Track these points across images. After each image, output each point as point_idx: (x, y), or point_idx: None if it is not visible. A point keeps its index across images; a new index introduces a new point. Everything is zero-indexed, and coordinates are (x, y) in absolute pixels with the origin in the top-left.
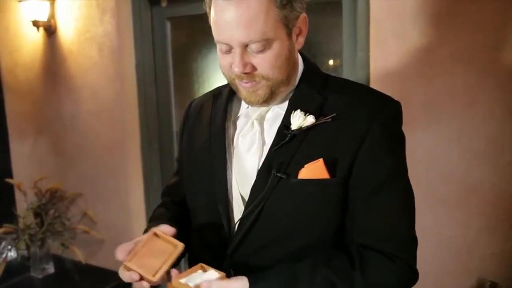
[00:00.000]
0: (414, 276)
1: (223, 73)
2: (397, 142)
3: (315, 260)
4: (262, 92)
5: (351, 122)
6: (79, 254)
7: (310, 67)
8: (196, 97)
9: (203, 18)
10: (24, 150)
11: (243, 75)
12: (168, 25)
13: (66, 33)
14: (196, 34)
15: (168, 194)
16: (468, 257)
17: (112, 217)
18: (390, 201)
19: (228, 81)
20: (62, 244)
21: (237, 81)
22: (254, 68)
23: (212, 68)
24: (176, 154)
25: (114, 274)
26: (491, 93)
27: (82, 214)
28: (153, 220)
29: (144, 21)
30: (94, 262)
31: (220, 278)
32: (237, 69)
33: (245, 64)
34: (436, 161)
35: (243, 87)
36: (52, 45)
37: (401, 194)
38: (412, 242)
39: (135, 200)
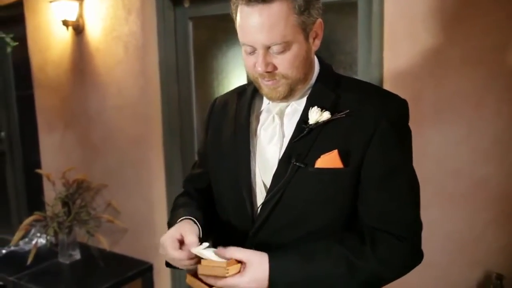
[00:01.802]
0: (419, 255)
1: (247, 72)
2: (404, 136)
3: (329, 240)
4: (282, 89)
5: (362, 118)
6: (103, 242)
7: (325, 68)
8: (215, 93)
9: (224, 18)
10: (53, 142)
11: (265, 73)
12: (190, 25)
13: (94, 32)
14: (216, 33)
15: (192, 182)
16: (475, 250)
17: (135, 207)
18: (397, 188)
19: (251, 80)
20: (88, 232)
21: (259, 80)
22: (275, 68)
23: (231, 66)
24: (197, 147)
25: (136, 261)
26: (499, 93)
27: (107, 204)
28: (182, 207)
29: (167, 20)
30: (117, 249)
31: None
32: (260, 68)
33: (267, 64)
34: (445, 158)
35: (265, 85)
36: (80, 44)
37: (407, 181)
38: (417, 224)
39: (157, 191)
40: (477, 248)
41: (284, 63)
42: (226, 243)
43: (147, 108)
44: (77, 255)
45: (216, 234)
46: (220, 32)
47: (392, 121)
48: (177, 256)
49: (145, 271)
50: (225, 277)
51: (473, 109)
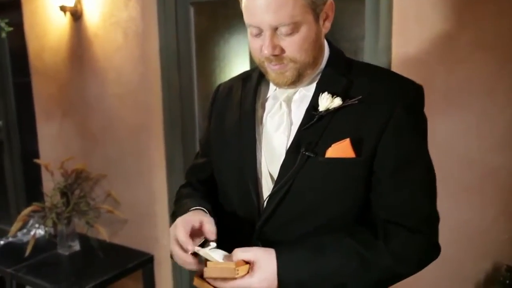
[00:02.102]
0: (435, 250)
1: (253, 56)
2: (420, 124)
3: (340, 234)
4: (289, 74)
5: (376, 105)
6: (103, 233)
7: (336, 52)
8: (217, 81)
9: (226, 3)
10: (51, 131)
11: (272, 57)
12: (192, 10)
13: (92, 18)
14: (218, 19)
15: (194, 173)
16: (484, 241)
17: (135, 198)
18: (413, 180)
19: (257, 64)
20: (87, 223)
21: (266, 64)
22: (282, 51)
23: (233, 53)
24: (199, 136)
25: (137, 252)
26: None
27: (106, 194)
28: (188, 198)
29: (168, 6)
30: (117, 240)
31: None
32: (266, 51)
33: (274, 47)
34: (455, 147)
35: (271, 69)
36: (78, 30)
37: (423, 172)
38: (434, 217)
39: (158, 182)
40: (487, 240)
41: (293, 45)
42: (231, 237)
43: (147, 96)
44: (76, 246)
45: (220, 228)
46: (222, 18)
47: (408, 108)
48: (184, 258)
49: (145, 262)
50: (235, 278)
51: (485, 95)
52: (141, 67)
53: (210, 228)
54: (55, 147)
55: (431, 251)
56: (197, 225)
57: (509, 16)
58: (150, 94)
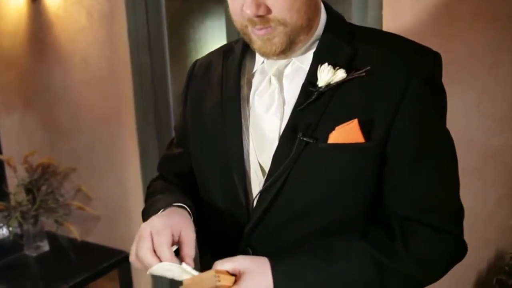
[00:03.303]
0: (463, 249)
1: (234, 21)
2: (440, 98)
3: (348, 236)
4: (278, 40)
5: (388, 77)
6: (74, 231)
7: (335, 15)
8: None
9: None
10: (13, 123)
11: (255, 19)
12: None
13: None
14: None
15: (168, 166)
16: (487, 228)
17: (107, 192)
18: (435, 167)
19: (239, 31)
20: (56, 221)
21: (249, 29)
22: (268, 10)
23: (210, 34)
24: (174, 123)
25: (111, 251)
26: None
27: (76, 189)
28: (162, 193)
29: None
30: (90, 238)
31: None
32: (249, 10)
33: (258, 5)
34: (455, 128)
35: (256, 36)
36: (37, 11)
37: (446, 156)
38: (460, 212)
39: (131, 174)
40: (490, 226)
41: (281, 3)
42: (214, 245)
43: (117, 82)
44: (45, 246)
45: (201, 233)
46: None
47: (426, 79)
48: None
49: (121, 261)
50: (217, 286)
51: (486, 71)
52: (108, 51)
53: (189, 247)
54: (17, 140)
55: (459, 251)
56: (176, 235)
57: None
58: (120, 80)
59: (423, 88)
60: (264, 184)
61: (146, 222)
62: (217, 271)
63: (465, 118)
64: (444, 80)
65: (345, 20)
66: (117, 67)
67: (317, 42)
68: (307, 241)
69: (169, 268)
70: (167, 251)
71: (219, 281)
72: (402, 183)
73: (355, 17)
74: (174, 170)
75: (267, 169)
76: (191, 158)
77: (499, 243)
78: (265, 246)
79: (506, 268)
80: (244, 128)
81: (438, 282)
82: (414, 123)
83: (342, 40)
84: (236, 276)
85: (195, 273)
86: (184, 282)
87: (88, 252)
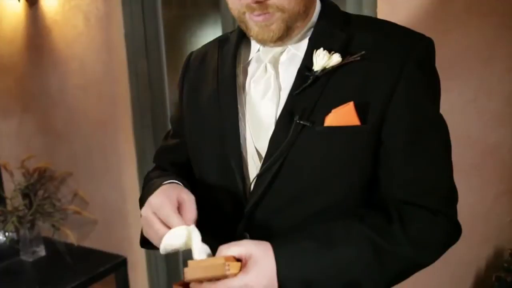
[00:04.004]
0: (458, 230)
1: (231, 9)
2: (435, 81)
3: (347, 220)
4: (276, 27)
5: (383, 60)
6: (71, 236)
7: (329, 5)
8: None
9: None
10: (10, 128)
11: (254, 5)
12: None
13: (49, 2)
14: (187, 5)
15: (164, 156)
16: (485, 225)
17: (104, 197)
18: (430, 148)
19: (236, 18)
20: (53, 226)
21: (247, 16)
22: None
23: (206, 37)
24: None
25: (108, 255)
26: (511, 47)
27: (73, 194)
28: (158, 178)
29: None
30: (87, 243)
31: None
32: None
33: None
34: (451, 124)
35: (254, 22)
36: (34, 16)
37: (440, 139)
38: (454, 193)
39: (128, 178)
40: (488, 223)
41: None
42: (212, 231)
43: (114, 86)
44: (41, 251)
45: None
46: (191, 5)
47: (420, 63)
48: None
49: (118, 265)
50: (226, 276)
51: (482, 65)
52: (105, 55)
53: (191, 209)
54: (15, 145)
55: (454, 232)
56: (174, 204)
57: None
58: (117, 84)
59: (417, 71)
60: (261, 168)
61: (144, 207)
62: (226, 259)
63: (461, 114)
64: (440, 76)
65: (339, 9)
66: (114, 71)
67: (312, 29)
68: (304, 224)
69: (179, 234)
70: (175, 218)
71: (229, 270)
72: (397, 165)
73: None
74: (170, 160)
75: (263, 154)
76: (188, 147)
77: (497, 240)
78: (262, 230)
79: (505, 265)
80: (240, 115)
81: (438, 279)
82: (408, 106)
83: (337, 27)
84: (242, 262)
85: (202, 248)
86: (189, 264)
87: (84, 257)
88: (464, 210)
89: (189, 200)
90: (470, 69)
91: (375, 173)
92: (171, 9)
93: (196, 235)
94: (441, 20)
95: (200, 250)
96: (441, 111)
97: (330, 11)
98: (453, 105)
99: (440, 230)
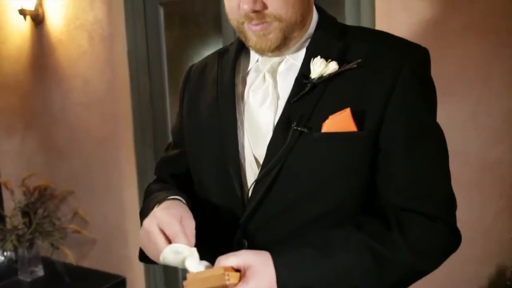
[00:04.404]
0: (458, 237)
1: (230, 20)
2: (430, 88)
3: (345, 227)
4: (273, 36)
5: (378, 68)
6: (70, 255)
7: (326, 16)
8: None
9: (198, 2)
10: (12, 146)
11: (252, 14)
12: (161, 10)
13: (55, 22)
14: (191, 20)
15: (165, 168)
16: (486, 242)
17: (104, 216)
18: (427, 154)
19: (235, 29)
20: (52, 245)
21: (245, 26)
22: (264, 6)
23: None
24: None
25: (107, 275)
26: (509, 64)
27: (73, 212)
28: (159, 191)
29: (136, 5)
30: (86, 263)
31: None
32: (246, 5)
33: (255, 0)
34: (450, 141)
35: (252, 32)
36: (40, 35)
37: (437, 145)
38: (452, 199)
39: (129, 197)
40: (488, 240)
41: (276, 0)
42: (210, 239)
43: (116, 104)
44: (39, 271)
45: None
46: (195, 18)
47: (415, 72)
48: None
49: (117, 285)
50: (226, 286)
51: (481, 82)
52: (109, 73)
53: (190, 229)
54: (16, 163)
55: (454, 239)
56: (180, 221)
57: None
58: (119, 102)
59: (412, 79)
60: (259, 174)
61: (148, 218)
62: (225, 269)
63: (460, 131)
64: (439, 92)
65: (336, 20)
66: (117, 89)
67: (309, 39)
68: (302, 230)
69: (179, 250)
70: (183, 239)
71: (228, 280)
72: (395, 171)
73: None
74: (170, 172)
75: (261, 161)
76: (187, 156)
77: (498, 258)
78: (261, 237)
79: (508, 283)
80: (239, 123)
81: None
82: (405, 112)
83: (334, 37)
84: (241, 272)
85: (201, 263)
86: (188, 277)
87: (83, 277)
88: (464, 227)
89: (191, 223)
90: (469, 86)
91: (373, 178)
92: (173, 29)
93: (196, 256)
94: (439, 38)
95: (198, 264)
96: (442, 128)
97: (327, 22)
98: (452, 122)
99: (440, 236)
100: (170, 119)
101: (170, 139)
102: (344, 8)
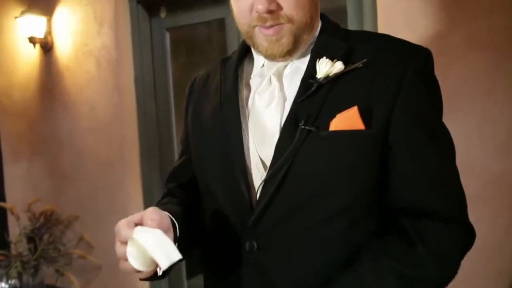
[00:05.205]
0: (472, 234)
1: (240, 24)
2: (435, 86)
3: (370, 253)
4: (286, 40)
5: (384, 68)
6: (75, 282)
7: (329, 21)
8: None
9: (203, 27)
10: (19, 172)
11: (266, 15)
12: (168, 36)
13: (63, 49)
14: (196, 44)
15: (174, 178)
16: (498, 256)
17: (110, 240)
18: (438, 153)
19: (244, 34)
20: (57, 271)
21: (257, 30)
22: (279, 7)
23: None
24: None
25: None
26: None
27: (79, 238)
28: (160, 205)
29: (143, 32)
30: None
31: None
32: (261, 5)
33: (270, 0)
34: (457, 155)
35: (264, 36)
36: (48, 63)
37: (447, 146)
38: (464, 197)
39: None
40: (502, 255)
41: (289, 1)
42: (220, 240)
43: (122, 127)
44: None
45: (204, 234)
46: (200, 43)
47: (420, 72)
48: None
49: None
50: None
51: (484, 96)
52: (116, 98)
53: (150, 215)
54: (23, 188)
55: (470, 237)
56: (137, 217)
57: (502, 12)
58: (125, 126)
59: (418, 78)
60: (266, 174)
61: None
62: None
63: (466, 144)
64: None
65: (339, 25)
66: (123, 114)
67: (315, 41)
68: (311, 231)
69: (146, 230)
70: (122, 224)
71: None
72: (406, 171)
73: None
74: (177, 182)
75: (268, 163)
76: (193, 162)
77: None
78: (270, 238)
79: None
80: (243, 126)
81: None
82: (412, 112)
83: (338, 38)
84: None
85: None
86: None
87: None
88: (476, 243)
89: (150, 210)
90: (472, 99)
91: (382, 177)
92: (179, 56)
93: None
94: (441, 53)
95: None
96: None
97: (330, 26)
98: (457, 136)
99: (458, 240)
100: (176, 143)
101: (175, 160)
102: (347, 26)
